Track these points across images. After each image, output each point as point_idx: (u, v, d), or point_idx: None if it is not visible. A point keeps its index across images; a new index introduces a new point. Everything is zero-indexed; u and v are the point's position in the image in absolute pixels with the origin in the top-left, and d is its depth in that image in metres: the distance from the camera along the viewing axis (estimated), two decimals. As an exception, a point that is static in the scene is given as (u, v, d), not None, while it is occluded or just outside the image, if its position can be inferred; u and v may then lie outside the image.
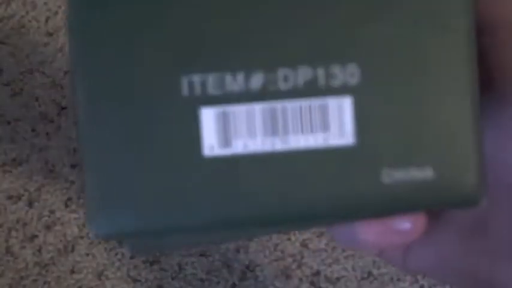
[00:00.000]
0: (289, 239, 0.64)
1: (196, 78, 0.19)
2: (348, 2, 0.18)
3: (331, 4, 0.18)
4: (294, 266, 0.65)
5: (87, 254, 0.65)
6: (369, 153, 0.19)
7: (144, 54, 0.19)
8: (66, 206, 0.65)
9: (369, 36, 0.18)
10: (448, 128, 0.19)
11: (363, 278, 0.65)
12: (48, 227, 0.65)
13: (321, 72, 0.19)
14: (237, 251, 0.64)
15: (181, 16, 0.18)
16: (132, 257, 0.65)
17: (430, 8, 0.19)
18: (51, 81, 0.65)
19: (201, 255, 0.64)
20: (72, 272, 0.65)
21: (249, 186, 0.19)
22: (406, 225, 0.20)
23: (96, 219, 0.19)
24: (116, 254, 0.64)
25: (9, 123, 0.65)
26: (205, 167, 0.19)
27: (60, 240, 0.65)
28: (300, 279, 0.65)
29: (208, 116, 0.19)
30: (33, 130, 0.65)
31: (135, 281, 0.65)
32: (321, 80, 0.19)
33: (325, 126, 0.19)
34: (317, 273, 0.65)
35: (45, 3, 0.65)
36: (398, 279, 0.64)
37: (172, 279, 0.65)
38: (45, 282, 0.65)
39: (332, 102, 0.19)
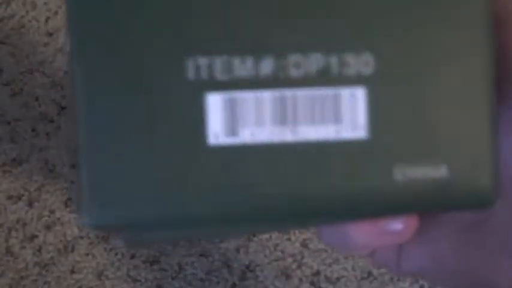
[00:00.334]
0: (289, 239, 0.64)
1: (203, 62, 0.17)
2: None
3: None
4: (294, 266, 0.65)
5: (87, 254, 0.65)
6: (382, 148, 0.18)
7: (146, 35, 0.17)
8: (66, 206, 0.65)
9: (384, 26, 0.18)
10: (465, 126, 0.18)
11: (363, 278, 0.65)
12: (48, 227, 0.65)
13: (334, 60, 0.18)
14: (237, 251, 0.64)
15: None
16: (131, 257, 0.65)
17: (448, 1, 0.18)
18: (51, 81, 0.65)
19: (201, 255, 0.64)
20: (72, 272, 0.65)
21: (255, 178, 0.18)
22: (398, 225, 0.20)
23: (91, 208, 0.17)
24: (116, 254, 0.64)
25: (9, 123, 0.65)
26: (210, 156, 0.18)
27: (60, 240, 0.65)
28: (300, 279, 0.65)
29: (214, 102, 0.17)
30: (33, 130, 0.65)
31: (135, 281, 0.64)
32: (334, 69, 0.18)
33: (337, 118, 0.18)
34: (317, 273, 0.65)
35: (45, 3, 0.65)
36: (399, 279, 0.64)
37: (172, 279, 0.65)
38: (45, 282, 0.65)
39: (345, 92, 0.18)
